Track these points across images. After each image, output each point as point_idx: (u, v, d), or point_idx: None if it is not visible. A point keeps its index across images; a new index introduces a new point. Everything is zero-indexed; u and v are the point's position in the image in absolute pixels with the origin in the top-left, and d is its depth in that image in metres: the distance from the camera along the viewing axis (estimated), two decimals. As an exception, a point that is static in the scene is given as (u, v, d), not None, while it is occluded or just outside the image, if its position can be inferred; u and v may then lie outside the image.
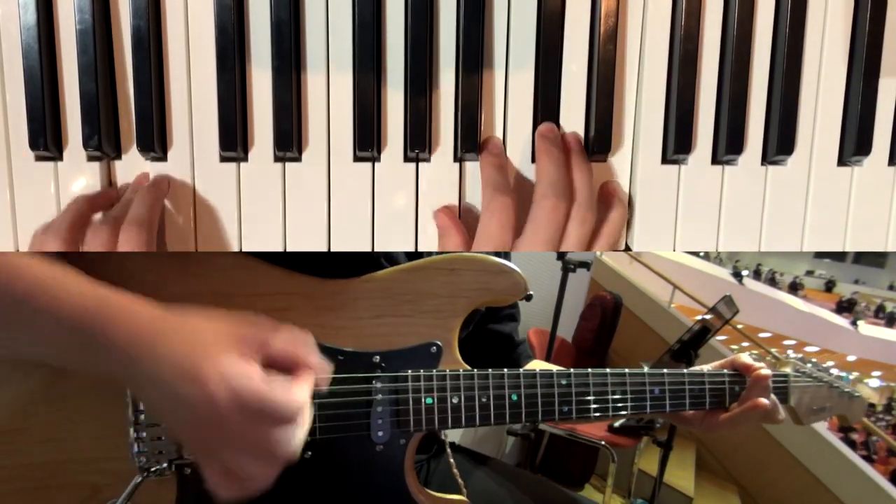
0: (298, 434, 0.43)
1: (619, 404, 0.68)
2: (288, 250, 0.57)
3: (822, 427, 3.67)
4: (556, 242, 0.54)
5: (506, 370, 0.63)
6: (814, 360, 0.85)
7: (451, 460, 0.68)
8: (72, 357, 0.46)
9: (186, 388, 0.41)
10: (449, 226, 0.56)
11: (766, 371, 0.73)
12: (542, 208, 0.54)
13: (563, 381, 0.65)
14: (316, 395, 0.55)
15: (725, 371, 0.75)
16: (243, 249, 0.57)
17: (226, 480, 0.43)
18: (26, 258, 0.47)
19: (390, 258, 0.64)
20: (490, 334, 0.84)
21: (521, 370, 0.63)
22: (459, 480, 0.68)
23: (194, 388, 0.40)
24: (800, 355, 0.88)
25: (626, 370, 0.69)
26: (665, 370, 0.72)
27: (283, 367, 0.45)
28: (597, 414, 0.67)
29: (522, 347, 0.89)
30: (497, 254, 0.74)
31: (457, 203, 0.58)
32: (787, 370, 0.81)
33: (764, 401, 0.71)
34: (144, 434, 0.51)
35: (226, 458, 0.42)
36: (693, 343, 1.81)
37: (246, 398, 0.40)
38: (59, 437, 0.50)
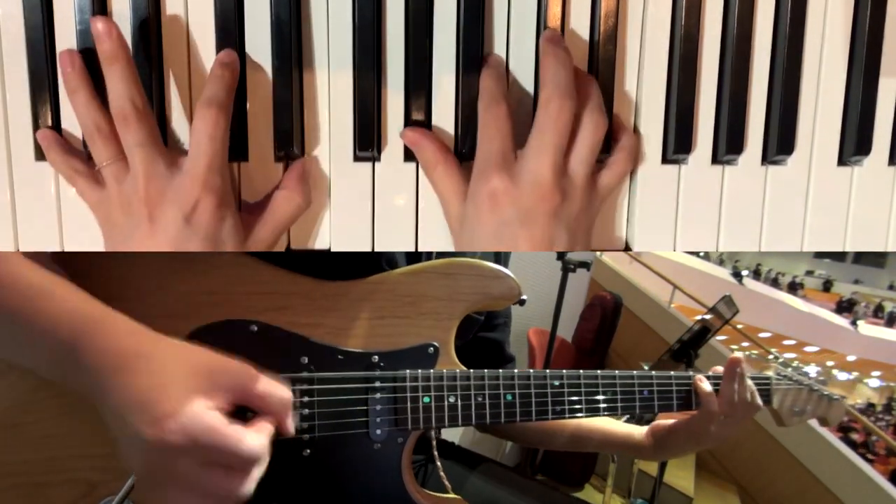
0: (249, 481, 0.42)
1: (610, 404, 0.70)
2: (290, 250, 0.57)
3: (822, 427, 3.67)
4: (563, 149, 0.52)
5: (501, 371, 0.64)
6: (795, 363, 0.89)
7: (439, 464, 0.68)
8: (49, 370, 0.46)
9: (140, 421, 0.40)
10: (418, 139, 0.55)
11: (737, 356, 0.78)
12: (548, 110, 0.51)
13: (556, 382, 0.66)
14: (315, 393, 0.55)
15: (711, 373, 0.79)
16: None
17: None
18: (22, 260, 0.47)
19: (390, 261, 0.64)
20: (480, 342, 0.84)
21: (515, 371, 0.65)
22: (447, 483, 0.68)
23: (147, 424, 0.39)
24: (784, 355, 0.91)
25: (616, 371, 0.71)
26: (653, 372, 0.74)
27: (252, 406, 0.45)
28: (589, 413, 0.69)
29: (512, 365, 0.89)
30: (495, 257, 0.75)
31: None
32: (770, 373, 0.86)
33: (737, 355, 0.77)
34: None
35: (170, 497, 0.41)
36: (693, 343, 1.81)
37: (202, 438, 0.40)
38: (56, 433, 0.50)
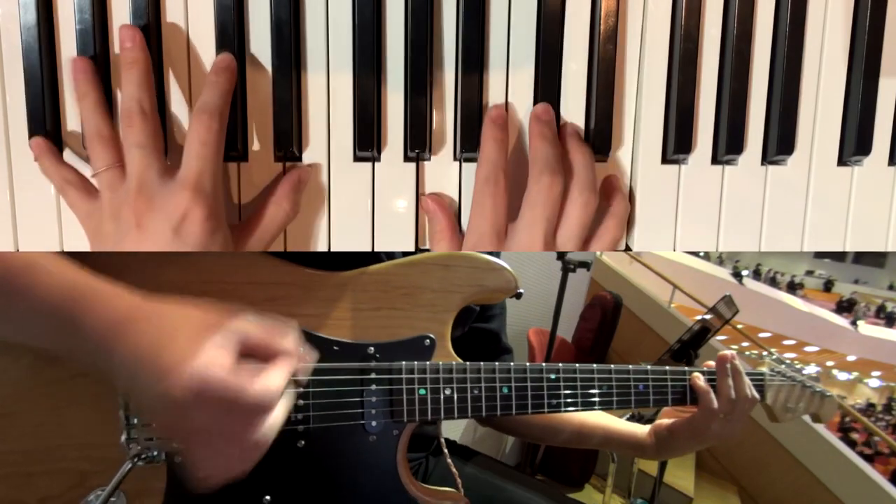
0: (271, 421, 0.43)
1: (605, 398, 0.70)
2: (288, 250, 0.57)
3: (821, 427, 3.67)
4: (553, 224, 0.53)
5: (497, 364, 0.64)
6: (787, 360, 0.90)
7: (449, 460, 0.68)
8: (50, 341, 0.45)
9: (150, 378, 0.40)
10: (435, 210, 0.56)
11: (726, 352, 0.77)
12: (539, 186, 0.53)
13: (552, 376, 0.67)
14: (311, 384, 0.55)
15: (705, 368, 0.79)
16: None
17: (204, 465, 0.42)
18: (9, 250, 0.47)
19: (389, 253, 0.64)
20: (476, 332, 0.84)
21: (511, 364, 0.65)
22: (458, 479, 0.68)
23: (157, 379, 0.40)
24: (784, 355, 0.92)
25: (612, 366, 0.71)
26: (648, 367, 0.74)
27: (263, 356, 0.44)
28: (584, 407, 0.69)
29: (508, 357, 0.89)
30: (490, 252, 0.74)
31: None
32: (763, 369, 0.86)
33: (726, 352, 0.76)
34: (135, 420, 0.51)
35: (198, 446, 0.42)
36: (693, 343, 1.81)
37: (208, 388, 0.40)
38: (48, 422, 0.50)
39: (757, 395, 0.77)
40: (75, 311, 0.43)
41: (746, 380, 0.77)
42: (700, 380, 0.75)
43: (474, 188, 0.55)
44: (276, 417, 0.43)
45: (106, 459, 0.50)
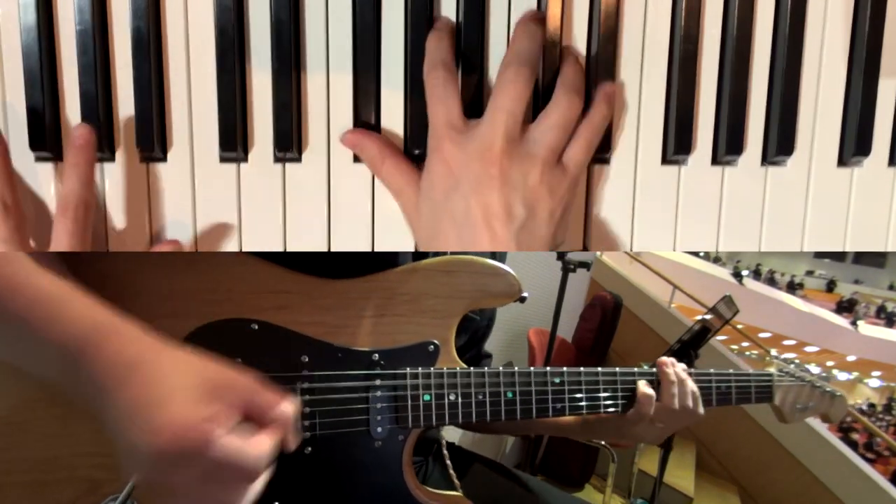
0: (249, 493, 0.41)
1: (610, 401, 0.70)
2: (288, 250, 0.57)
3: (822, 427, 3.67)
4: (517, 119, 0.50)
5: (501, 368, 0.64)
6: (797, 360, 0.89)
7: (448, 462, 0.68)
8: (52, 374, 0.45)
9: (139, 430, 0.39)
10: (359, 139, 0.54)
11: (663, 358, 0.73)
12: (504, 75, 0.50)
13: (557, 380, 0.66)
14: (318, 392, 0.55)
15: (713, 370, 0.78)
16: (243, 249, 0.57)
17: None
18: (31, 265, 0.46)
19: (391, 259, 0.64)
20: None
21: (515, 368, 0.64)
22: (456, 481, 0.68)
23: (146, 433, 0.39)
24: (784, 355, 0.91)
25: (618, 368, 0.71)
26: (655, 369, 0.74)
27: (257, 420, 0.43)
28: (590, 411, 0.69)
29: (487, 361, 0.88)
30: (493, 256, 0.74)
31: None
32: (772, 370, 0.86)
33: (664, 358, 0.73)
34: None
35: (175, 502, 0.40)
36: (693, 343, 1.80)
37: (198, 447, 0.38)
38: (59, 431, 0.50)
39: (701, 411, 0.73)
40: (81, 353, 0.42)
41: (694, 389, 0.72)
42: (645, 386, 0.71)
43: (424, 82, 0.53)
44: (257, 488, 0.42)
45: (117, 468, 0.49)
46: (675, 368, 0.73)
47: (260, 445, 0.41)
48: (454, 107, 0.51)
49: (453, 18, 0.56)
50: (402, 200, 0.55)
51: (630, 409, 0.71)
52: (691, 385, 0.73)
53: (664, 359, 0.73)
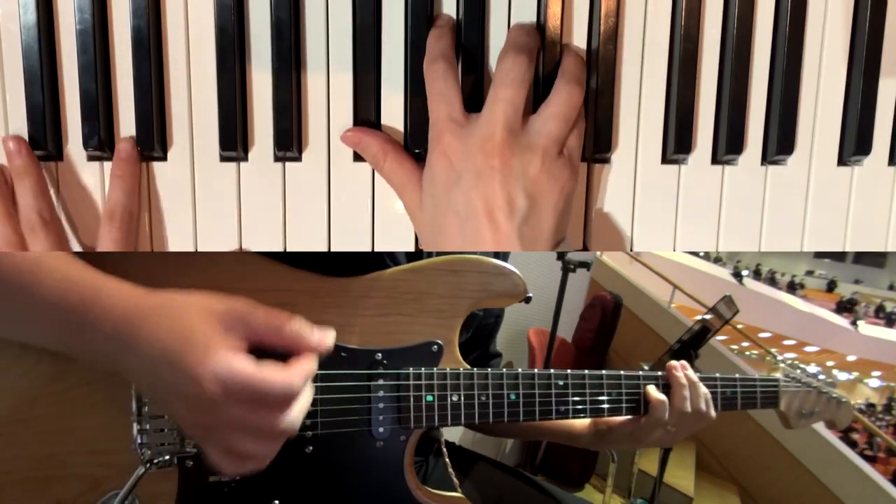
0: (294, 413, 0.43)
1: (614, 405, 0.69)
2: (288, 250, 0.57)
3: (822, 427, 3.67)
4: (517, 107, 0.50)
5: (504, 370, 0.63)
6: (803, 365, 0.88)
7: (447, 460, 0.68)
8: (59, 340, 0.45)
9: (172, 374, 0.40)
10: (359, 137, 0.54)
11: (673, 362, 0.73)
12: (503, 65, 0.51)
13: (560, 382, 0.66)
14: (319, 391, 0.55)
15: (718, 375, 0.77)
16: (243, 249, 0.57)
17: (226, 458, 0.42)
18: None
19: (394, 258, 0.64)
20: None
21: (519, 370, 0.64)
22: (454, 480, 0.68)
23: (179, 375, 0.39)
24: (790, 360, 0.90)
25: (622, 371, 0.71)
26: (659, 372, 0.73)
27: (275, 348, 0.44)
28: (593, 414, 0.68)
29: (497, 361, 0.88)
30: (496, 255, 0.74)
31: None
32: (778, 375, 0.84)
33: (673, 362, 0.72)
34: (147, 426, 0.51)
35: (222, 439, 0.42)
36: (693, 343, 1.80)
37: (233, 383, 0.39)
38: (61, 428, 0.50)
39: (713, 413, 0.73)
40: (82, 307, 0.42)
41: (705, 391, 0.72)
42: (655, 391, 0.71)
43: (424, 76, 0.53)
44: (300, 408, 0.43)
45: (119, 465, 0.50)
46: (685, 371, 0.72)
47: (295, 367, 0.43)
48: (454, 100, 0.51)
49: (454, 16, 0.55)
50: (405, 197, 0.55)
51: (643, 416, 0.71)
52: (703, 387, 0.72)
53: (673, 362, 0.72)
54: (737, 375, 0.79)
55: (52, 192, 0.56)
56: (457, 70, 0.53)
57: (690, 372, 0.73)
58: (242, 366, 0.40)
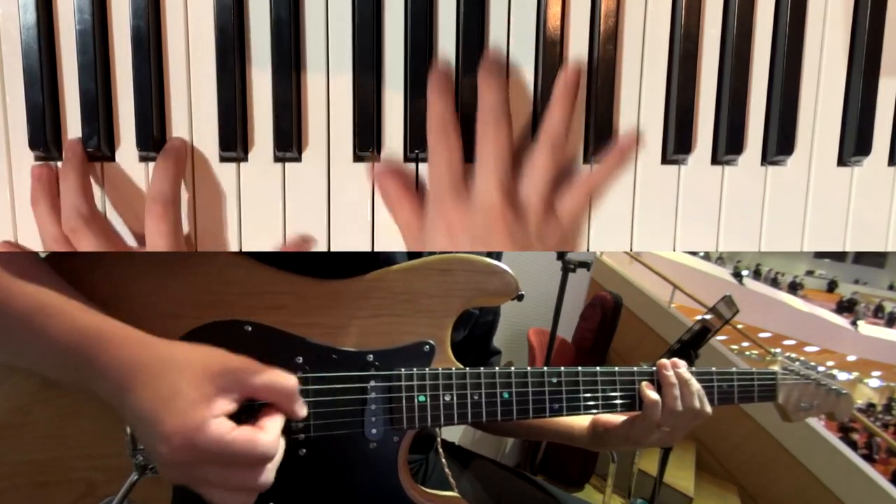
0: (270, 470, 0.45)
1: (609, 401, 0.69)
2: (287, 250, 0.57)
3: (822, 427, 3.67)
4: (509, 175, 0.52)
5: (497, 369, 0.63)
6: (801, 358, 0.87)
7: (444, 460, 0.68)
8: (67, 379, 0.47)
9: (149, 434, 0.42)
10: (383, 181, 0.55)
11: (663, 360, 0.73)
12: (485, 135, 0.52)
13: (554, 380, 0.66)
14: (311, 393, 0.55)
15: (714, 369, 0.76)
16: (243, 249, 0.57)
17: (214, 499, 0.44)
18: (17, 280, 0.47)
19: (387, 259, 0.64)
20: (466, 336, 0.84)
21: (512, 368, 0.64)
22: (451, 480, 0.68)
23: (155, 437, 0.42)
24: (788, 353, 0.89)
25: (616, 368, 0.70)
26: (654, 368, 0.73)
27: (265, 400, 0.47)
28: (587, 411, 0.68)
29: (497, 358, 0.89)
30: (489, 254, 0.75)
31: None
32: (776, 368, 0.84)
33: (663, 360, 0.72)
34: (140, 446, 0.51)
35: (203, 491, 0.44)
36: (693, 343, 1.80)
37: (205, 448, 0.41)
38: (57, 433, 0.50)
39: (708, 409, 0.72)
40: (88, 352, 0.45)
41: (698, 388, 0.71)
42: (649, 390, 0.70)
43: (428, 140, 0.53)
44: (273, 465, 0.45)
45: (114, 469, 0.50)
46: (675, 370, 0.72)
47: (266, 428, 0.45)
48: (457, 168, 0.53)
49: (453, 18, 0.55)
50: (404, 233, 0.56)
51: (638, 418, 0.70)
52: (695, 385, 0.71)
53: (663, 361, 0.72)
54: (734, 369, 0.79)
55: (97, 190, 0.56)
56: (459, 134, 0.53)
57: (683, 370, 0.72)
58: (216, 432, 0.42)
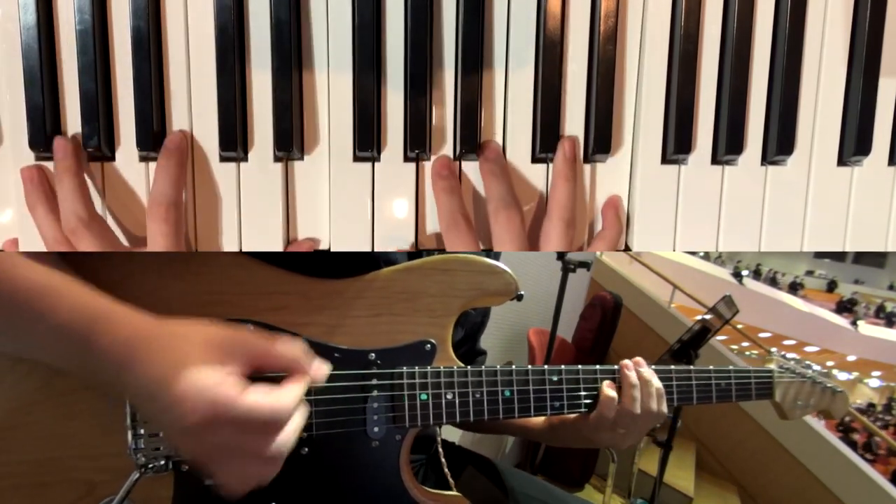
0: (287, 436, 0.43)
1: None
2: (287, 251, 0.57)
3: (822, 427, 3.67)
4: (527, 245, 0.55)
5: (498, 366, 0.64)
6: (797, 356, 0.88)
7: (443, 459, 0.69)
8: (66, 361, 0.46)
9: (162, 405, 0.41)
10: (459, 220, 0.55)
11: (625, 361, 0.72)
12: (498, 225, 0.55)
13: (555, 378, 0.66)
14: (313, 392, 0.55)
15: (712, 367, 0.77)
16: (243, 249, 0.57)
17: (223, 479, 0.43)
18: (24, 261, 0.47)
19: (387, 259, 0.64)
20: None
21: (513, 366, 0.64)
22: (450, 480, 0.68)
23: (169, 407, 0.40)
24: (784, 353, 0.91)
25: (615, 366, 0.71)
26: (652, 366, 0.73)
27: (274, 369, 0.45)
28: (588, 409, 0.68)
29: (482, 359, 0.89)
30: (488, 254, 0.75)
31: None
32: (772, 366, 0.85)
33: (625, 361, 0.71)
34: (142, 430, 0.51)
35: (216, 463, 0.42)
36: (693, 343, 1.81)
37: (220, 410, 0.40)
38: (57, 433, 0.50)
39: (665, 411, 0.70)
40: (90, 333, 0.44)
41: (655, 390, 0.70)
42: (609, 388, 0.68)
43: (490, 222, 0.55)
44: (291, 431, 0.44)
45: (114, 469, 0.50)
46: (637, 369, 0.70)
47: (286, 390, 0.44)
48: (523, 240, 0.55)
49: (453, 18, 0.55)
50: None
51: (591, 414, 0.69)
52: (655, 385, 0.70)
53: (626, 361, 0.71)
54: (731, 367, 0.79)
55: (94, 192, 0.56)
56: (471, 223, 0.55)
57: (645, 369, 0.70)
58: (228, 392, 0.41)
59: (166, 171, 0.53)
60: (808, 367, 0.88)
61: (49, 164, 0.55)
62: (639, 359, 0.72)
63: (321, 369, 0.47)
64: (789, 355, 0.90)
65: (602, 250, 0.58)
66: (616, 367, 0.71)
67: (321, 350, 0.57)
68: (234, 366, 0.43)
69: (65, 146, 0.54)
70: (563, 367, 0.67)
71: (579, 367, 0.68)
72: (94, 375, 0.45)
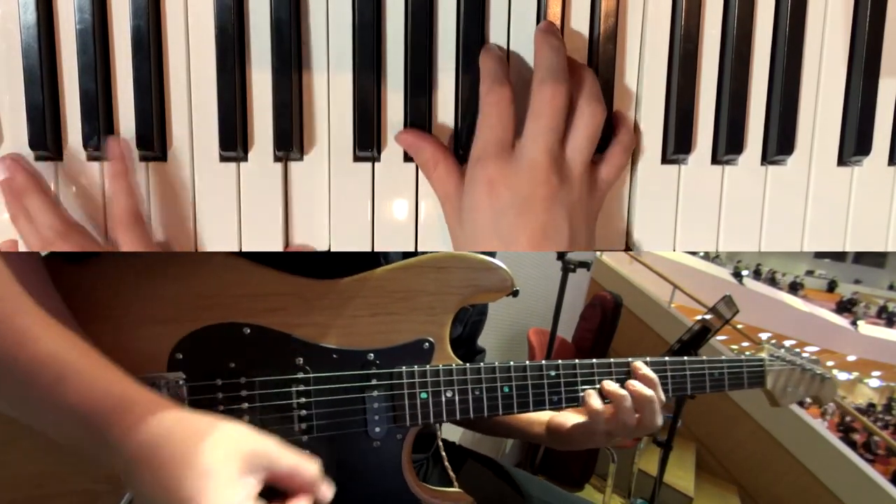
0: None
1: None
2: (287, 251, 0.57)
3: (822, 427, 3.67)
4: (559, 135, 0.51)
5: (497, 363, 0.64)
6: (786, 344, 0.90)
7: (443, 454, 0.69)
8: (77, 444, 0.45)
9: None
10: (415, 140, 0.54)
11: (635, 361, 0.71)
12: (542, 94, 0.51)
13: (553, 373, 0.67)
14: (313, 393, 0.55)
15: (706, 357, 0.78)
16: (243, 250, 0.57)
17: None
18: (44, 330, 0.45)
19: (386, 258, 0.64)
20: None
21: (511, 363, 0.64)
22: (451, 474, 0.68)
23: None
24: (774, 341, 0.93)
25: (612, 360, 0.71)
26: (648, 358, 0.74)
27: (283, 485, 0.44)
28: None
29: (481, 357, 0.89)
30: (484, 253, 0.74)
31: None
32: (763, 354, 0.86)
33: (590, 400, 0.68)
34: None
35: None
36: (693, 343, 1.81)
37: None
38: (56, 446, 0.50)
39: (659, 422, 0.68)
40: (106, 423, 0.42)
41: (657, 396, 0.68)
42: (592, 398, 0.68)
43: (480, 102, 0.53)
44: None
45: (115, 480, 0.50)
46: (641, 381, 0.69)
47: None
48: (509, 129, 0.52)
49: (453, 18, 0.55)
50: (448, 207, 0.55)
51: (583, 423, 0.69)
52: (647, 394, 0.68)
53: (639, 372, 0.70)
54: (723, 357, 0.80)
55: (52, 191, 0.56)
56: (511, 90, 0.52)
57: (640, 386, 0.69)
58: None
59: (116, 180, 0.53)
60: (798, 354, 0.90)
61: (46, 166, 0.55)
62: (644, 373, 0.70)
63: (328, 493, 0.46)
64: (776, 342, 0.91)
65: (620, 159, 0.56)
66: (611, 360, 0.70)
67: (319, 351, 0.57)
68: (256, 478, 0.42)
69: (13, 165, 0.53)
70: (560, 361, 0.68)
71: (576, 361, 0.69)
72: (105, 463, 0.43)
